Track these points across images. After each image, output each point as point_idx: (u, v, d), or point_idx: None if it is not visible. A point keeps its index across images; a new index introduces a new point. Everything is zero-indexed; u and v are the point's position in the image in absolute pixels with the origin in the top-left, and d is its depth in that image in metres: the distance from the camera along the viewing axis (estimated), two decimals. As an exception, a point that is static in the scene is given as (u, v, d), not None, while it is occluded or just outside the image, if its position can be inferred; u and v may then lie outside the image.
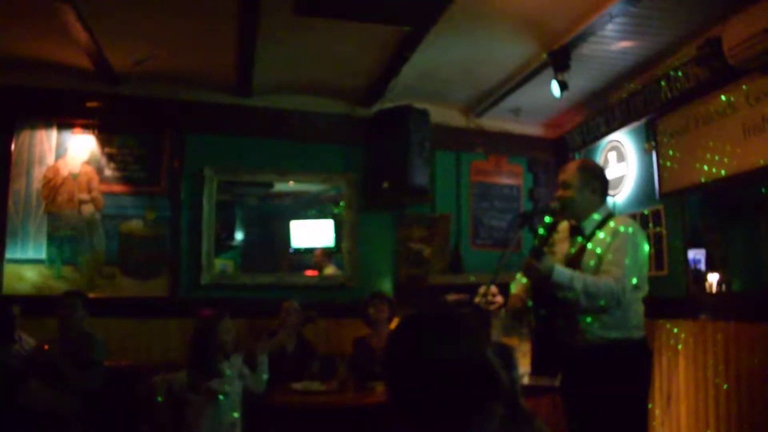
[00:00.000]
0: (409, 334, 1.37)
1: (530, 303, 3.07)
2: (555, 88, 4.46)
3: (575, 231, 3.11)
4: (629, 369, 2.85)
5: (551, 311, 2.95)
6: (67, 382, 3.87)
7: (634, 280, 2.89)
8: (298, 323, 4.70)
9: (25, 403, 3.72)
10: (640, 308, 2.99)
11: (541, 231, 3.07)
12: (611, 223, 3.00)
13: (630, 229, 2.96)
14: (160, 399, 3.57)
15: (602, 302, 2.80)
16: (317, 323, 4.90)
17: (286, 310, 4.67)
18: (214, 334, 3.57)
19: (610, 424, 2.77)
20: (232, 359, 3.65)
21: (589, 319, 2.89)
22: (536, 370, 3.43)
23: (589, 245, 2.98)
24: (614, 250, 2.90)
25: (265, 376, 3.80)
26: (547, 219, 3.09)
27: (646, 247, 3.03)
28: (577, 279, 2.80)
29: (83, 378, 3.92)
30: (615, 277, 2.82)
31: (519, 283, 3.27)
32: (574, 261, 2.97)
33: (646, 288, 3.00)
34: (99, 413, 3.92)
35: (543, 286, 2.89)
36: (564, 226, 3.22)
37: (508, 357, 1.39)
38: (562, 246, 3.14)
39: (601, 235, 2.98)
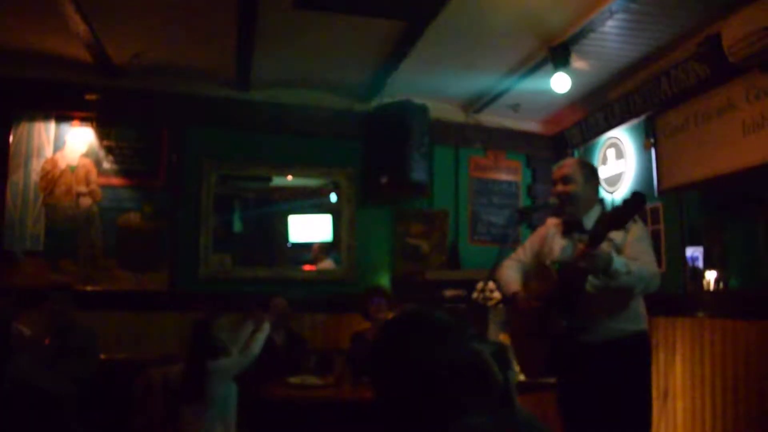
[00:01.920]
0: (392, 337, 1.37)
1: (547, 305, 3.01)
2: (561, 82, 4.44)
3: (575, 226, 3.09)
4: (639, 360, 2.92)
5: (572, 311, 2.90)
6: (62, 372, 3.89)
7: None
8: (284, 318, 4.71)
9: (17, 378, 3.72)
10: (642, 300, 3.02)
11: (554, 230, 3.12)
12: None
13: (639, 224, 2.99)
14: (155, 393, 3.58)
15: (649, 287, 2.84)
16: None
17: (275, 306, 4.66)
18: (209, 334, 3.57)
19: (621, 415, 2.79)
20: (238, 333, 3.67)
21: (607, 314, 2.90)
22: (549, 370, 3.33)
23: (604, 245, 2.94)
24: (634, 243, 2.91)
25: (256, 351, 3.77)
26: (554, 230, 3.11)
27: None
28: (632, 263, 2.78)
29: (75, 368, 3.94)
30: (652, 263, 2.87)
31: (511, 277, 3.24)
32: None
33: None
34: (95, 405, 3.93)
35: (584, 276, 2.82)
36: (553, 221, 3.22)
37: (504, 357, 1.38)
38: (556, 243, 3.13)
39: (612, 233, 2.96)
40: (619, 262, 2.75)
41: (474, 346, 1.33)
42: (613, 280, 2.76)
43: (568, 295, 2.88)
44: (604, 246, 2.77)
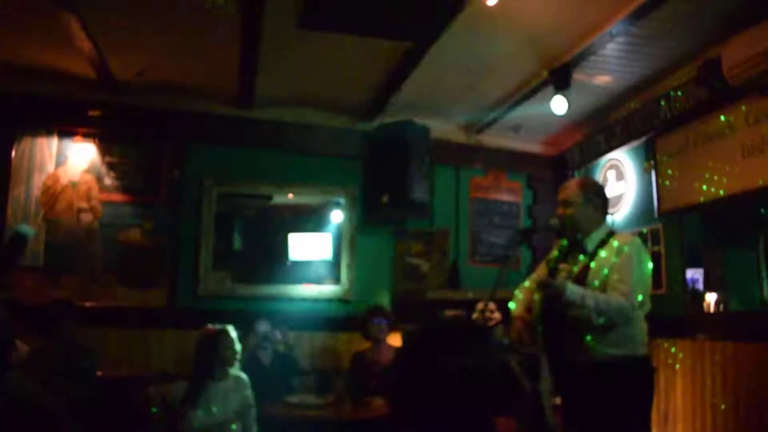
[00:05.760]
0: (420, 343, 1.33)
1: (540, 327, 3.05)
2: (559, 104, 4.46)
3: (577, 249, 3.11)
4: (632, 386, 2.84)
5: (558, 330, 2.93)
6: (57, 391, 3.85)
7: (641, 297, 2.89)
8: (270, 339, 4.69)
9: (11, 394, 3.68)
10: (643, 325, 2.98)
11: (555, 253, 3.17)
12: (614, 242, 2.99)
13: (634, 247, 2.97)
14: (154, 410, 3.55)
15: (612, 319, 2.81)
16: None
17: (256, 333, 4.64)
18: (216, 348, 3.56)
19: None
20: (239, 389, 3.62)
21: (591, 337, 2.86)
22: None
23: (593, 264, 2.97)
24: (620, 268, 2.90)
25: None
26: (556, 253, 3.18)
27: (650, 264, 3.04)
28: (589, 297, 2.80)
29: (70, 390, 3.90)
30: (624, 294, 2.82)
31: (518, 300, 3.24)
32: (579, 280, 2.96)
33: (648, 305, 2.98)
34: (92, 423, 3.89)
35: (555, 303, 2.87)
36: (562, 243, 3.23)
37: (533, 365, 1.35)
38: (563, 264, 3.14)
39: (603, 254, 2.97)
40: (574, 293, 2.80)
41: (501, 354, 1.28)
42: (570, 309, 2.83)
43: (551, 316, 2.95)
44: (563, 275, 2.95)
